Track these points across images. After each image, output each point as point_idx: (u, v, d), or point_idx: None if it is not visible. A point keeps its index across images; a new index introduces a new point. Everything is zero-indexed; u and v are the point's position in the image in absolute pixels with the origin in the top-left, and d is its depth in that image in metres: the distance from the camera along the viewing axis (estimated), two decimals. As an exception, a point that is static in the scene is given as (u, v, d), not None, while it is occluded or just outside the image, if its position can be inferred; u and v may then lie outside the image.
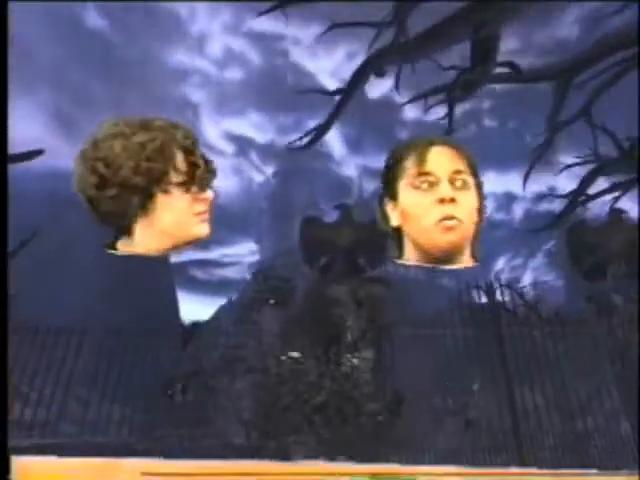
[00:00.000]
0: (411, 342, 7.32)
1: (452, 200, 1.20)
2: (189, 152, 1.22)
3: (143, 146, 1.17)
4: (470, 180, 1.25)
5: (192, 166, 1.22)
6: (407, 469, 1.54)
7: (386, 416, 4.52)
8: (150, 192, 1.19)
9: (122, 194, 1.17)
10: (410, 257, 1.33)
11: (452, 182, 1.22)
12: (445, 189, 1.21)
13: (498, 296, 6.80)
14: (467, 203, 1.24)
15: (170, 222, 1.23)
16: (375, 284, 6.90)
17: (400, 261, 1.37)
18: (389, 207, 1.31)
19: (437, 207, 1.21)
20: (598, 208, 8.99)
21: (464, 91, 7.59)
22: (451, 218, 1.22)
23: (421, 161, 1.23)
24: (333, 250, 8.15)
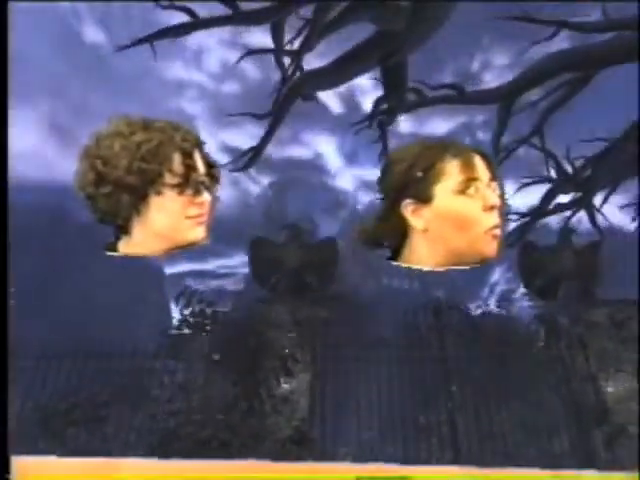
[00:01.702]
0: (352, 364, 7.15)
1: (497, 208, 1.19)
2: (186, 154, 1.19)
3: (139, 146, 1.16)
4: (497, 188, 1.24)
5: (188, 169, 1.19)
6: (403, 469, 1.60)
7: (288, 447, 4.40)
8: (143, 192, 1.17)
9: (115, 192, 1.16)
10: (428, 261, 1.25)
11: (492, 190, 1.22)
12: (491, 196, 1.19)
13: (444, 317, 6.73)
14: (500, 211, 1.22)
15: (163, 224, 1.20)
16: (318, 305, 6.79)
17: (410, 265, 1.29)
18: (410, 209, 1.23)
19: (487, 215, 1.18)
20: (547, 227, 9.00)
21: (389, 116, 7.73)
22: (498, 227, 1.19)
23: (470, 167, 1.20)
24: (281, 270, 8.01)
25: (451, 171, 1.20)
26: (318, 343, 6.89)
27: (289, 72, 6.93)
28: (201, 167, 1.22)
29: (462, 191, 1.19)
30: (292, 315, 6.53)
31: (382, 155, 8.02)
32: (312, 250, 7.86)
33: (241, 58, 7.31)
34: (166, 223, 1.20)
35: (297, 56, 6.72)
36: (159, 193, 1.17)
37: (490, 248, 1.20)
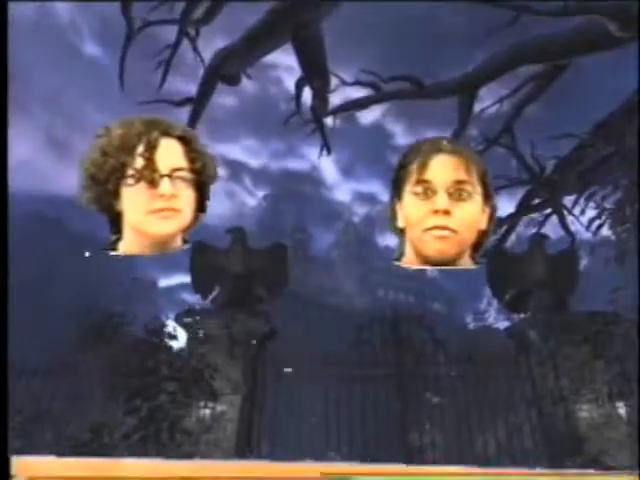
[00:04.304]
0: (296, 384, 6.08)
1: (446, 212, 1.18)
2: (149, 146, 1.19)
3: (108, 142, 1.20)
4: (474, 189, 1.21)
5: (146, 160, 1.18)
6: (409, 469, 1.58)
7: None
8: (110, 186, 1.19)
9: (91, 188, 1.21)
10: (410, 259, 1.31)
11: (451, 193, 1.20)
12: (441, 200, 1.18)
13: (404, 332, 5.79)
14: (465, 214, 1.20)
15: (133, 218, 1.22)
16: (256, 318, 5.90)
17: (399, 264, 1.35)
18: (398, 207, 1.29)
19: (431, 216, 1.19)
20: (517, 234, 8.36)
21: (320, 101, 7.10)
22: (443, 228, 1.20)
23: (422, 169, 1.22)
24: (224, 278, 7.24)
25: (412, 172, 1.22)
26: (256, 361, 6.18)
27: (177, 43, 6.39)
28: (169, 159, 1.19)
29: (415, 192, 1.20)
30: (226, 329, 5.83)
31: (323, 148, 7.43)
32: (259, 256, 7.20)
33: (139, 30, 6.78)
34: (135, 217, 1.19)
35: (182, 23, 6.19)
36: (125, 186, 1.17)
37: (430, 249, 1.20)
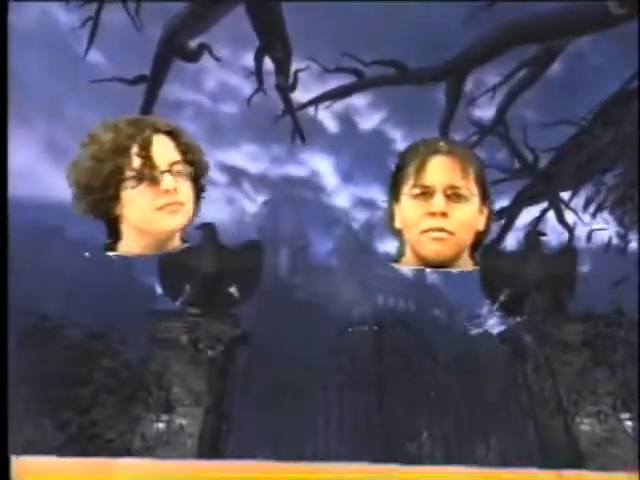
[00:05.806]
0: (265, 395, 5.25)
1: (443, 214, 1.17)
2: (142, 146, 1.18)
3: (99, 147, 1.19)
4: (471, 191, 1.19)
5: (143, 159, 1.18)
6: (408, 469, 1.67)
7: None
8: (108, 192, 1.18)
9: (83, 195, 1.20)
10: (409, 261, 1.28)
11: (448, 195, 1.18)
12: (438, 203, 1.17)
13: (387, 336, 5.14)
14: (463, 215, 1.19)
15: (137, 218, 1.20)
16: (223, 321, 5.28)
17: (397, 265, 1.31)
18: (396, 209, 1.27)
19: (427, 218, 1.18)
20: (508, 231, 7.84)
21: (283, 76, 6.52)
22: (439, 230, 1.18)
23: (419, 172, 1.21)
24: (194, 278, 6.68)
25: (409, 174, 1.23)
26: (224, 369, 5.66)
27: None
28: (164, 155, 1.19)
29: (413, 194, 1.20)
30: (189, 333, 5.32)
31: (295, 133, 6.80)
32: (232, 254, 6.72)
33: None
34: (139, 217, 1.19)
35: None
36: (126, 188, 1.17)
37: (428, 250, 1.20)
